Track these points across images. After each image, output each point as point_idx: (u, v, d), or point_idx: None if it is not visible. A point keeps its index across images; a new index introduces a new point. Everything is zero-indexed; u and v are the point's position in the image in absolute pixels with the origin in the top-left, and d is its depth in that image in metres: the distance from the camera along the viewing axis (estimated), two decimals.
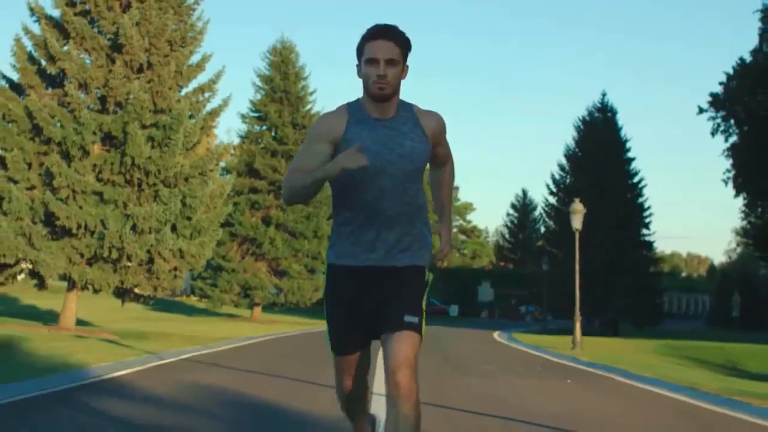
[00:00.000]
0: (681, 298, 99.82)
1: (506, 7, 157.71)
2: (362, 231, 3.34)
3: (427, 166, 3.54)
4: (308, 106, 38.73)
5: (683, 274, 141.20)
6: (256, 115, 38.65)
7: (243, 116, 38.57)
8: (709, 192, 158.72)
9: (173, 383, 8.99)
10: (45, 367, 10.36)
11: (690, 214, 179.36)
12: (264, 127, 38.54)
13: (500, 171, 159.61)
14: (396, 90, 3.29)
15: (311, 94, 39.07)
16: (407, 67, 3.33)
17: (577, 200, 22.69)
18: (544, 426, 6.42)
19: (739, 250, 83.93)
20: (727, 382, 12.66)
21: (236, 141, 38.69)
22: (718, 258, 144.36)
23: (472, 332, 33.30)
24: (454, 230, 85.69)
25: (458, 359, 15.54)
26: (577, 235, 22.24)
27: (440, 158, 3.60)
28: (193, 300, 51.22)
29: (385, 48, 3.23)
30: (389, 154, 3.29)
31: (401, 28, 3.34)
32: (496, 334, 31.11)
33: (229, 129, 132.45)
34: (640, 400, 9.01)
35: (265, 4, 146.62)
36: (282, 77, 38.39)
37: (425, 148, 3.35)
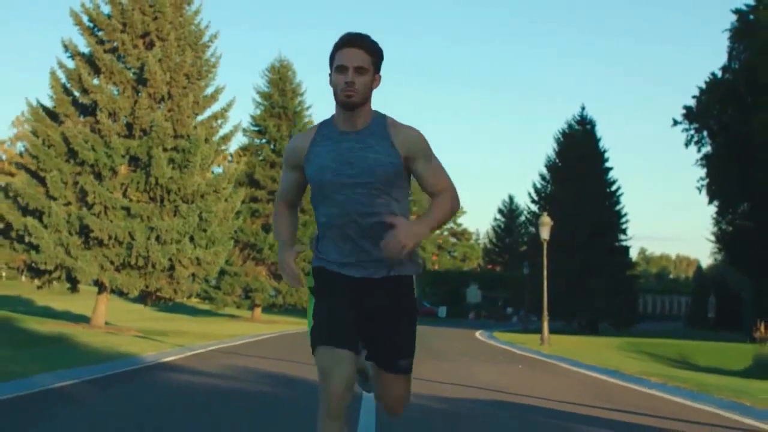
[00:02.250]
0: (664, 300, 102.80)
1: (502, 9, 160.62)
2: (338, 242, 3.32)
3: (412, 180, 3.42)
4: (305, 120, 41.58)
5: (671, 276, 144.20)
6: (256, 128, 41.50)
7: (244, 130, 41.38)
8: (700, 195, 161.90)
9: (216, 365, 11.82)
10: (105, 355, 13.12)
11: (681, 215, 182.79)
12: (264, 140, 41.42)
13: (491, 174, 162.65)
14: (365, 98, 3.25)
15: (307, 108, 42.00)
16: (379, 76, 3.31)
17: (545, 214, 25.58)
18: (485, 389, 9.28)
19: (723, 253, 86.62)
20: (652, 368, 15.52)
21: (233, 148, 41.60)
22: (706, 260, 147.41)
23: (457, 331, 36.10)
24: (445, 233, 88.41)
25: (438, 351, 18.36)
26: (545, 245, 25.06)
27: (428, 182, 3.35)
28: (194, 301, 53.92)
29: (354, 55, 3.21)
30: (349, 169, 3.24)
31: (374, 36, 3.32)
32: (478, 333, 33.94)
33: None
34: (567, 377, 11.90)
35: (265, 16, 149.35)
36: (280, 94, 41.26)
37: (391, 160, 3.25)
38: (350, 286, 3.30)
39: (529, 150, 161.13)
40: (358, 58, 3.21)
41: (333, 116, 3.34)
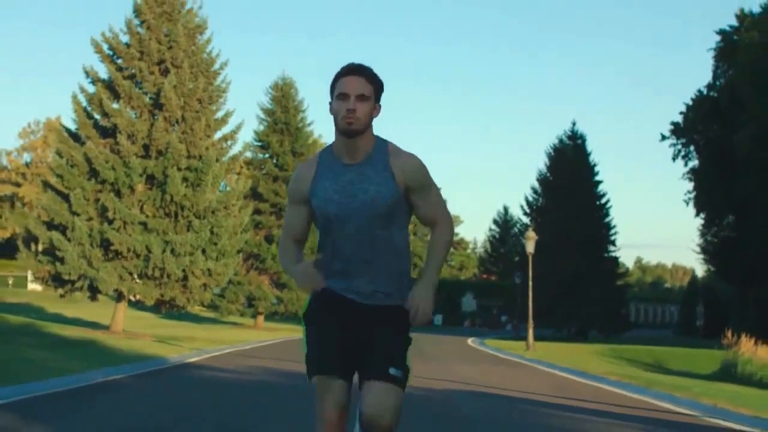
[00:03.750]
0: (657, 309, 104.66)
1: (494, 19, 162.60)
2: (338, 274, 3.36)
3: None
4: (307, 136, 43.56)
5: (667, 285, 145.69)
6: (259, 144, 43.42)
7: (248, 145, 43.22)
8: (688, 207, 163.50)
9: (235, 365, 13.68)
10: (135, 356, 14.93)
11: (678, 224, 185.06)
12: (267, 155, 43.34)
13: (488, 183, 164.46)
14: (365, 126, 3.29)
15: (309, 125, 43.98)
16: (379, 106, 3.35)
17: (530, 229, 27.43)
18: (463, 382, 11.14)
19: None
20: (618, 370, 17.36)
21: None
22: (701, 269, 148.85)
23: (451, 338, 37.90)
24: None
25: (429, 355, 20.19)
26: (530, 258, 26.92)
27: (425, 212, 3.42)
28: (197, 309, 55.68)
29: (356, 84, 3.27)
30: (352, 202, 3.28)
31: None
32: (470, 340, 35.76)
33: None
34: (537, 375, 13.77)
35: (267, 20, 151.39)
36: (283, 110, 43.18)
37: (391, 192, 3.29)
38: (344, 308, 3.36)
39: (526, 159, 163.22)
40: (359, 86, 3.27)
41: (333, 145, 3.39)
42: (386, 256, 3.35)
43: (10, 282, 69.18)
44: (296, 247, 3.55)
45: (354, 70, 3.30)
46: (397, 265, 3.39)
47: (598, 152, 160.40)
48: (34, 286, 65.74)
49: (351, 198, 3.29)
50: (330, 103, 3.32)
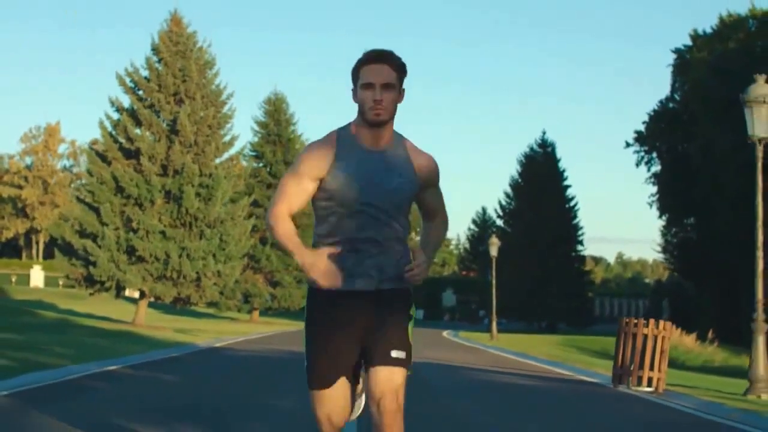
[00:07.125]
0: (630, 303, 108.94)
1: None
2: (344, 258, 3.29)
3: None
4: (298, 147, 47.59)
5: (647, 280, 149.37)
6: (254, 154, 47.45)
7: (243, 155, 47.12)
8: (651, 209, 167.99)
9: (253, 348, 17.70)
10: (172, 343, 18.80)
11: (659, 220, 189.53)
12: (261, 165, 47.38)
13: (471, 182, 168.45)
14: (392, 115, 3.30)
15: (300, 136, 48.07)
16: (404, 90, 3.34)
17: (493, 235, 31.62)
18: (424, 358, 15.25)
19: None
20: (558, 354, 21.49)
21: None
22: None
23: (429, 330, 41.68)
24: None
25: None
26: (493, 261, 31.08)
27: (430, 208, 3.54)
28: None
29: (381, 72, 3.24)
30: (376, 189, 3.29)
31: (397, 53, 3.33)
32: (445, 332, 39.75)
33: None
34: (486, 355, 17.92)
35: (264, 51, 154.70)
36: (275, 123, 47.22)
37: (412, 187, 3.36)
38: (348, 304, 3.35)
39: (505, 160, 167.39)
40: (385, 74, 3.26)
41: (351, 128, 3.37)
42: (394, 242, 3.41)
43: (14, 280, 72.51)
44: (289, 218, 3.39)
45: (378, 57, 3.30)
46: (402, 251, 3.44)
47: (578, 149, 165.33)
48: (36, 284, 69.49)
49: (375, 186, 3.31)
50: (353, 90, 3.34)
